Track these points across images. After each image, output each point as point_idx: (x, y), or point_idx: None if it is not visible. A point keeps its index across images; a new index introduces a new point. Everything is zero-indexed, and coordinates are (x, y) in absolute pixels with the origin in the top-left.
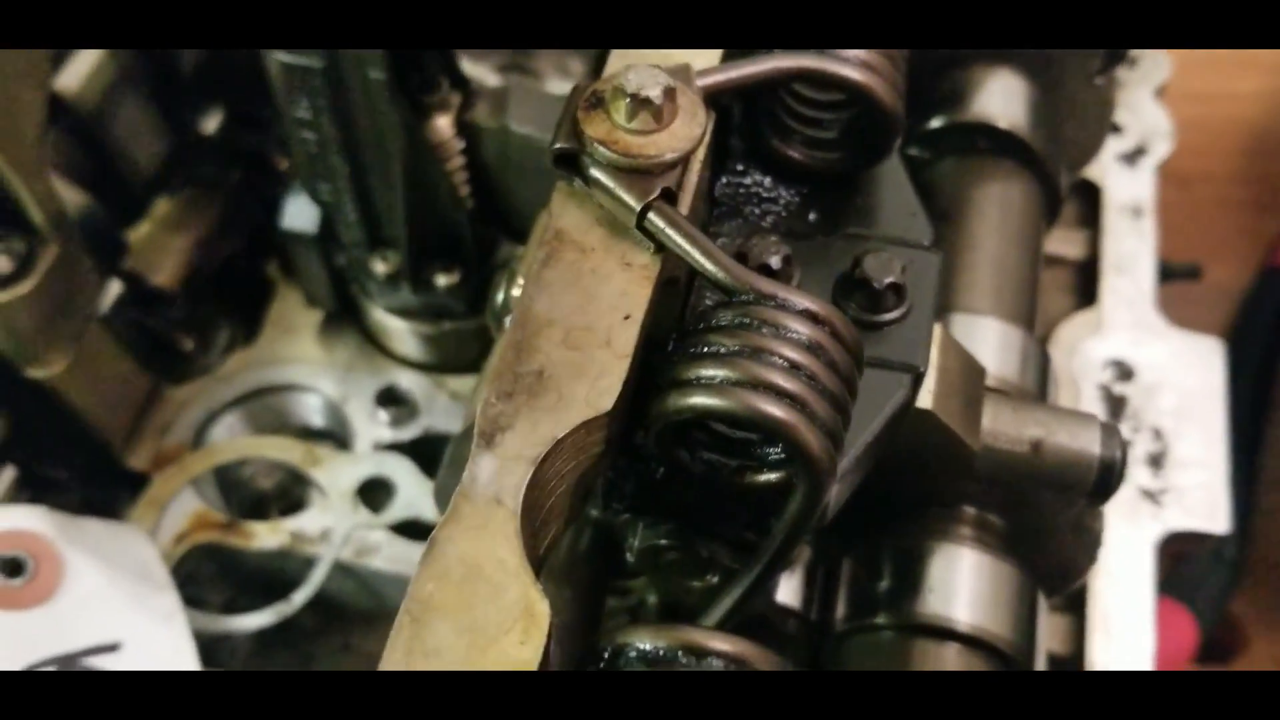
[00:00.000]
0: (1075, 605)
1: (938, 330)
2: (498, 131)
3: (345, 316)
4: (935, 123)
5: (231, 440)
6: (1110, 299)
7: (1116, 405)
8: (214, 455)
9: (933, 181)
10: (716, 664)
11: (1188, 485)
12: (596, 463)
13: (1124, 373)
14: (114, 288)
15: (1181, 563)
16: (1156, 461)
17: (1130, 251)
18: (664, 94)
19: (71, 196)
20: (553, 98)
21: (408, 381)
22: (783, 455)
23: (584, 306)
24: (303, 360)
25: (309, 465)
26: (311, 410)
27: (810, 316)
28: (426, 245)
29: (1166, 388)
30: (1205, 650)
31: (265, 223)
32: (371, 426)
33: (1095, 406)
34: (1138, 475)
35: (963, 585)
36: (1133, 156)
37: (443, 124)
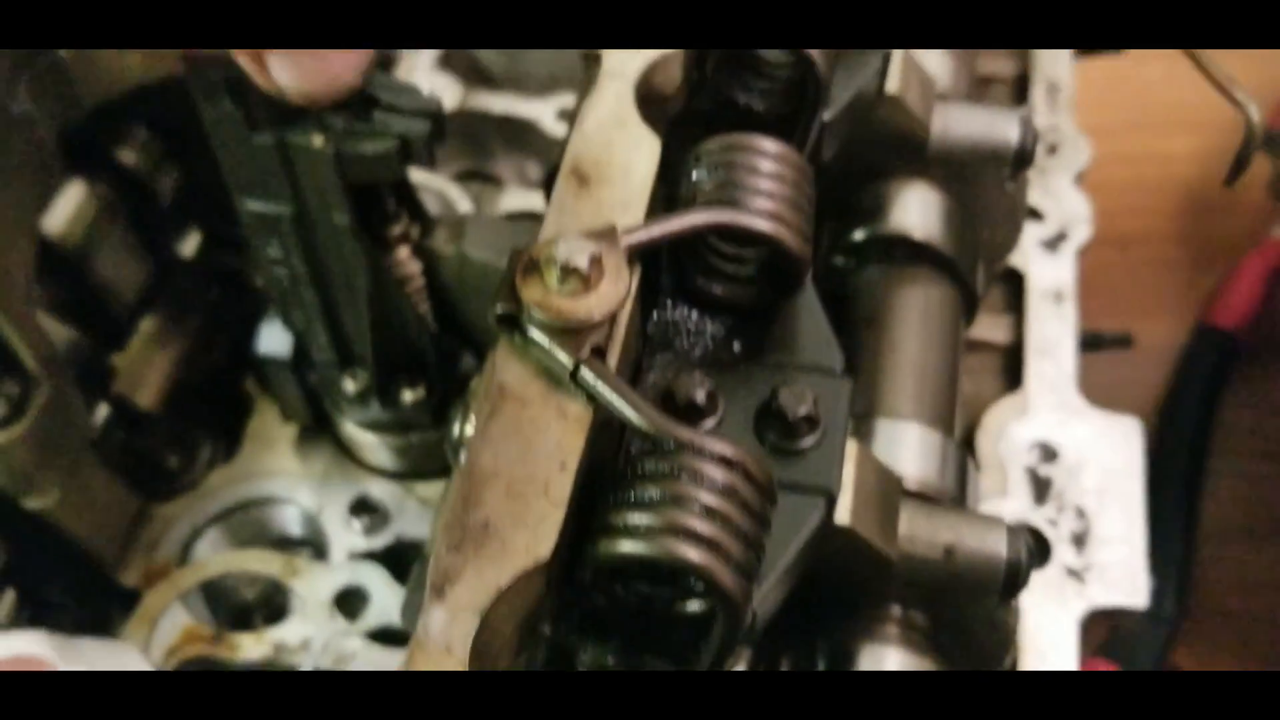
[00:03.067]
0: None
1: (854, 448)
2: (455, 257)
3: (320, 428)
4: (858, 235)
5: (216, 555)
6: (1035, 382)
7: (1042, 486)
8: (200, 570)
9: (857, 289)
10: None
11: (1109, 561)
12: (540, 602)
13: (1048, 454)
14: (101, 410)
15: (1117, 624)
16: (1080, 540)
17: (1053, 335)
18: (590, 261)
19: (59, 331)
20: (505, 225)
21: (379, 490)
22: (704, 587)
23: (524, 457)
24: (281, 473)
25: (288, 576)
26: (290, 521)
27: (724, 461)
28: (393, 364)
29: (1089, 467)
30: None
31: (243, 338)
32: (346, 535)
33: (1022, 488)
34: (1062, 554)
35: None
36: (1054, 242)
37: (404, 254)
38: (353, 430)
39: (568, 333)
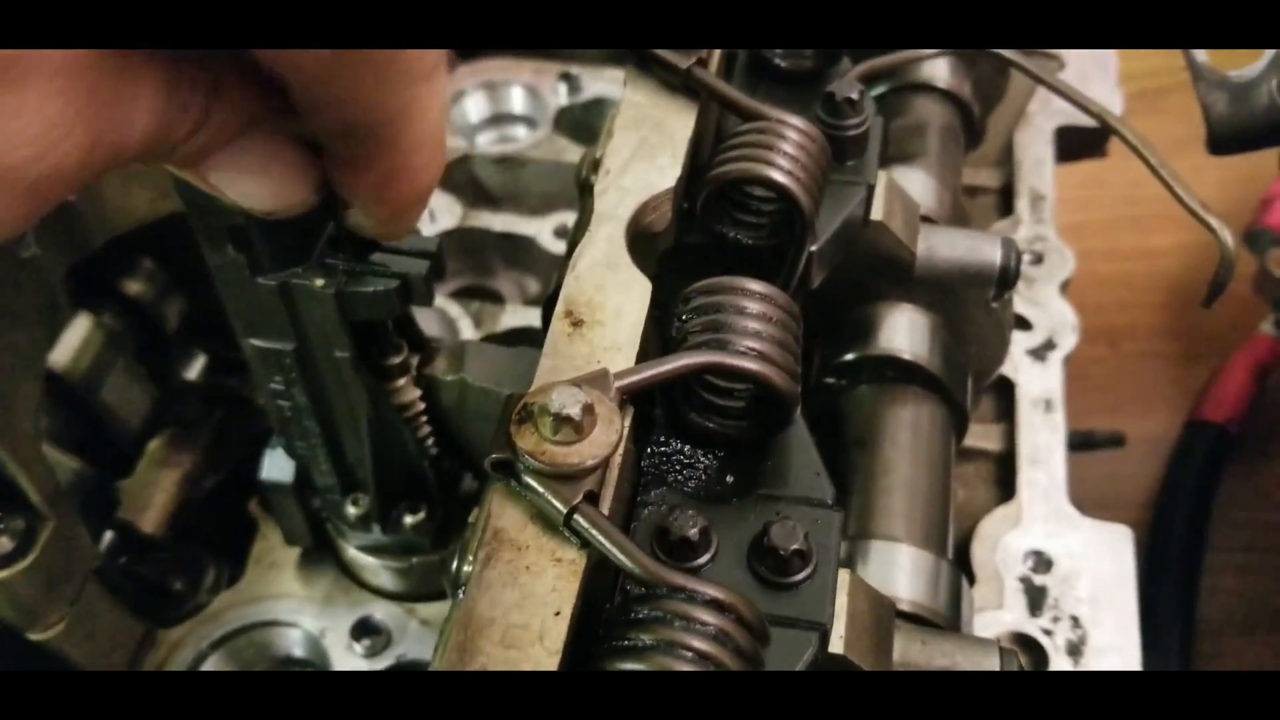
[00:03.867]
0: None
1: (846, 576)
2: (455, 384)
3: (323, 550)
4: (848, 356)
5: None
6: (1027, 492)
7: (1037, 596)
8: None
9: (848, 409)
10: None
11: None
12: None
13: (1043, 563)
14: (106, 537)
15: None
16: (1075, 650)
17: (1044, 444)
18: (583, 410)
19: (64, 462)
20: (503, 352)
21: (381, 613)
22: None
23: (520, 604)
24: (284, 595)
25: None
26: (293, 643)
27: (716, 605)
28: (394, 489)
29: (1082, 576)
30: None
31: (248, 459)
32: (348, 657)
33: (1018, 598)
34: (1059, 664)
35: None
36: (1041, 351)
37: (404, 383)
38: (354, 554)
39: (561, 479)
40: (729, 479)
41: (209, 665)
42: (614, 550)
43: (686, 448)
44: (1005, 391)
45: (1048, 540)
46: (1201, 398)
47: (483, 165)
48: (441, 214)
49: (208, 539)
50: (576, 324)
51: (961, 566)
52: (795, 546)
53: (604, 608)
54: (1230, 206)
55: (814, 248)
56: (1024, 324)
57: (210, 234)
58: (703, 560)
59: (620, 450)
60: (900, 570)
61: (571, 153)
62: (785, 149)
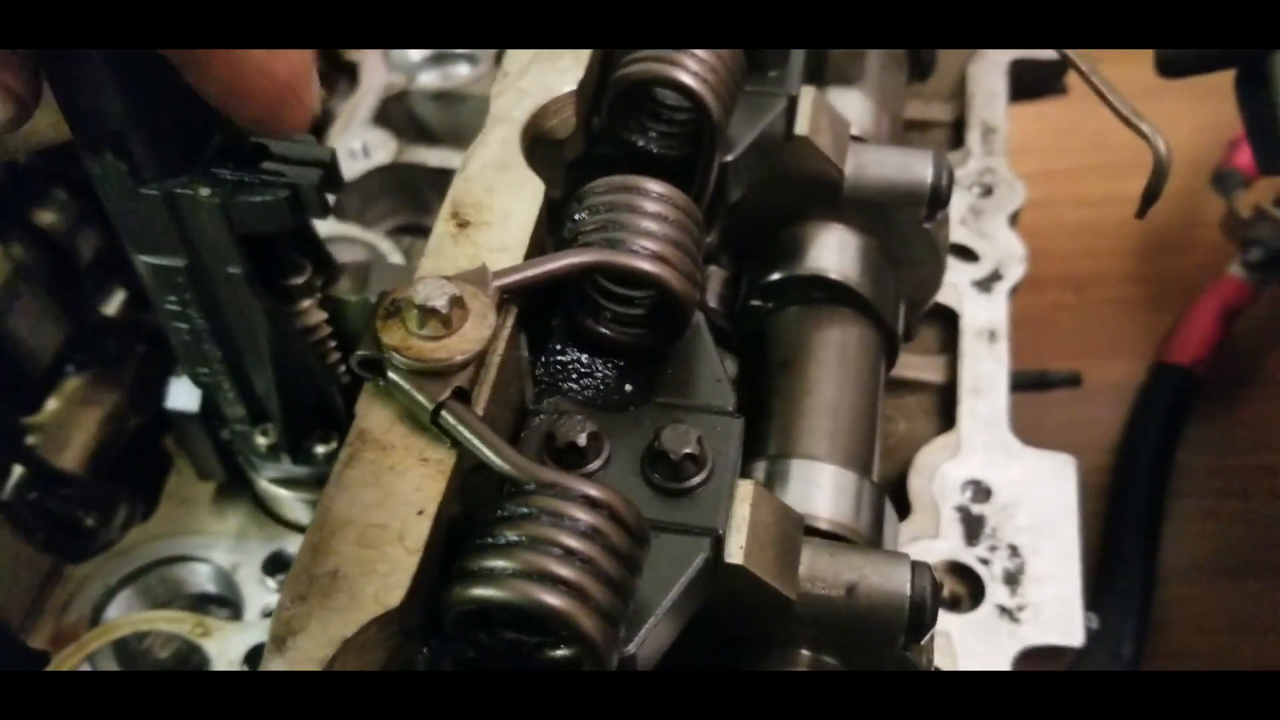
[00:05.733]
0: None
1: (750, 486)
2: (360, 304)
3: (237, 485)
4: (774, 276)
5: (127, 616)
6: (968, 421)
7: (974, 525)
8: (111, 631)
9: (774, 331)
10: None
11: (1044, 600)
12: (399, 651)
13: (981, 493)
14: (15, 470)
15: (1076, 663)
16: (1013, 579)
17: (987, 374)
18: (450, 303)
19: None
20: (410, 271)
21: (295, 547)
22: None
23: (381, 504)
24: (196, 531)
25: (199, 636)
26: (204, 579)
27: (589, 502)
28: (303, 418)
29: (1022, 505)
30: None
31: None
32: (261, 592)
33: (954, 528)
34: (996, 593)
35: None
36: (987, 282)
37: (308, 306)
38: (267, 486)
39: (429, 375)
40: (627, 388)
41: (118, 602)
42: (480, 446)
43: (584, 357)
44: (949, 323)
45: (987, 469)
46: (1167, 341)
47: (420, 101)
48: (376, 149)
49: (123, 477)
50: (462, 225)
51: (898, 498)
52: (688, 450)
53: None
54: (1203, 152)
55: (728, 158)
56: (970, 255)
57: (89, 140)
58: (594, 467)
59: (499, 348)
60: (819, 489)
61: None
62: (695, 53)
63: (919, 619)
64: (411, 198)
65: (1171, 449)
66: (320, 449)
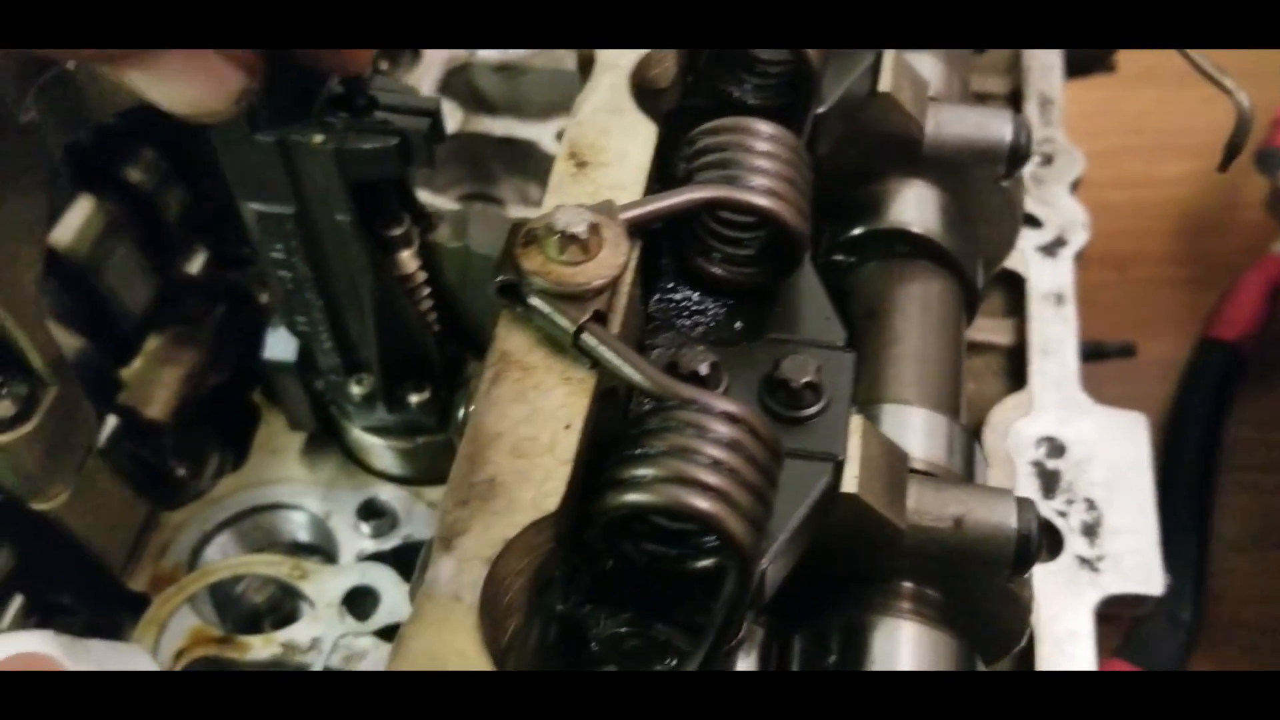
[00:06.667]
0: (1025, 662)
1: (860, 421)
2: (458, 252)
3: (326, 437)
4: (856, 231)
5: (224, 559)
6: (1038, 380)
7: (1050, 480)
8: (208, 574)
9: (857, 284)
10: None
11: (1122, 551)
12: (549, 558)
13: (1055, 449)
14: (110, 423)
15: (1136, 627)
16: (1091, 531)
17: (1055, 336)
18: (589, 229)
19: (68, 341)
20: (507, 220)
21: (387, 494)
22: (714, 542)
23: (529, 419)
24: (288, 480)
25: (297, 579)
26: (298, 527)
27: (729, 417)
28: (398, 367)
29: (1096, 461)
30: None
31: (249, 353)
32: (355, 538)
33: (1030, 482)
34: (1074, 545)
35: (903, 655)
36: (1052, 248)
37: (406, 256)
38: (359, 435)
39: (569, 299)
40: (738, 325)
41: (214, 547)
42: (623, 365)
43: (695, 295)
44: (1015, 287)
45: (1060, 426)
46: (1212, 317)
47: (482, 73)
48: None
49: (211, 429)
50: (581, 165)
51: None
52: (807, 379)
53: (613, 441)
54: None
55: (821, 110)
56: (1034, 222)
57: None
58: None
59: (630, 274)
60: (912, 431)
61: (572, 60)
62: None
63: (1025, 551)
64: (477, 167)
65: (1220, 422)
66: (414, 398)
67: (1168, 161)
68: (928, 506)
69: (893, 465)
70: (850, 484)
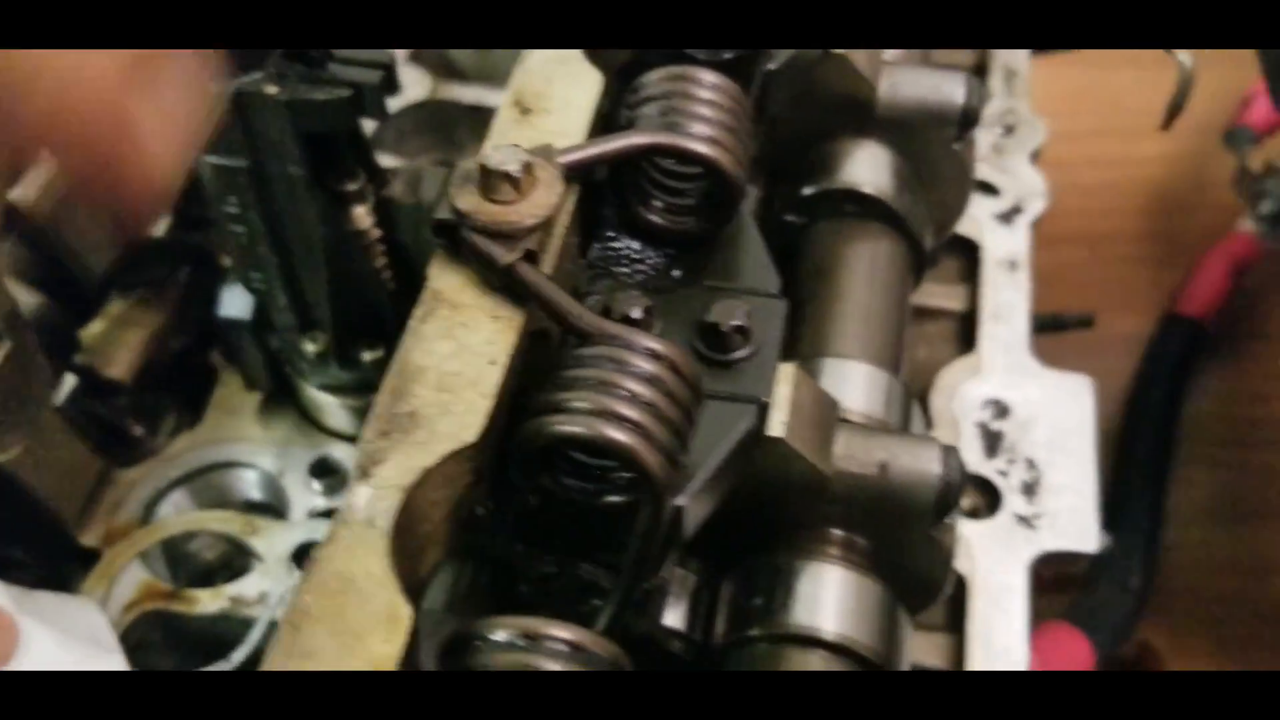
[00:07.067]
0: (955, 624)
1: (791, 369)
2: (413, 208)
3: (282, 397)
4: (807, 190)
5: (177, 516)
6: (988, 344)
7: (993, 440)
8: (160, 530)
9: (807, 243)
10: (556, 646)
11: (1059, 510)
12: (469, 492)
13: (1000, 411)
14: (68, 381)
15: (1085, 593)
16: (1030, 490)
17: (1007, 301)
18: (522, 168)
19: (26, 298)
20: None
21: (340, 452)
22: (630, 477)
23: (455, 354)
24: (243, 439)
25: (248, 534)
26: (251, 485)
27: (651, 354)
28: (352, 325)
29: (1040, 422)
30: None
31: (211, 316)
32: (307, 496)
33: (974, 442)
34: (1013, 503)
35: (828, 598)
36: (1009, 215)
37: (361, 212)
38: (313, 394)
39: (500, 237)
40: (675, 273)
41: (167, 504)
42: (552, 297)
43: (635, 244)
44: (970, 253)
45: (1006, 389)
46: (1177, 294)
47: None
48: (410, 86)
49: (171, 392)
50: (524, 112)
51: None
52: (736, 322)
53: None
54: (1214, 116)
55: (771, 66)
56: (992, 190)
57: None
58: None
59: (565, 215)
60: (851, 385)
61: None
62: None
63: (947, 496)
64: (445, 134)
65: (1180, 396)
66: (367, 355)
67: (1141, 141)
68: (854, 452)
69: (823, 413)
70: (777, 428)
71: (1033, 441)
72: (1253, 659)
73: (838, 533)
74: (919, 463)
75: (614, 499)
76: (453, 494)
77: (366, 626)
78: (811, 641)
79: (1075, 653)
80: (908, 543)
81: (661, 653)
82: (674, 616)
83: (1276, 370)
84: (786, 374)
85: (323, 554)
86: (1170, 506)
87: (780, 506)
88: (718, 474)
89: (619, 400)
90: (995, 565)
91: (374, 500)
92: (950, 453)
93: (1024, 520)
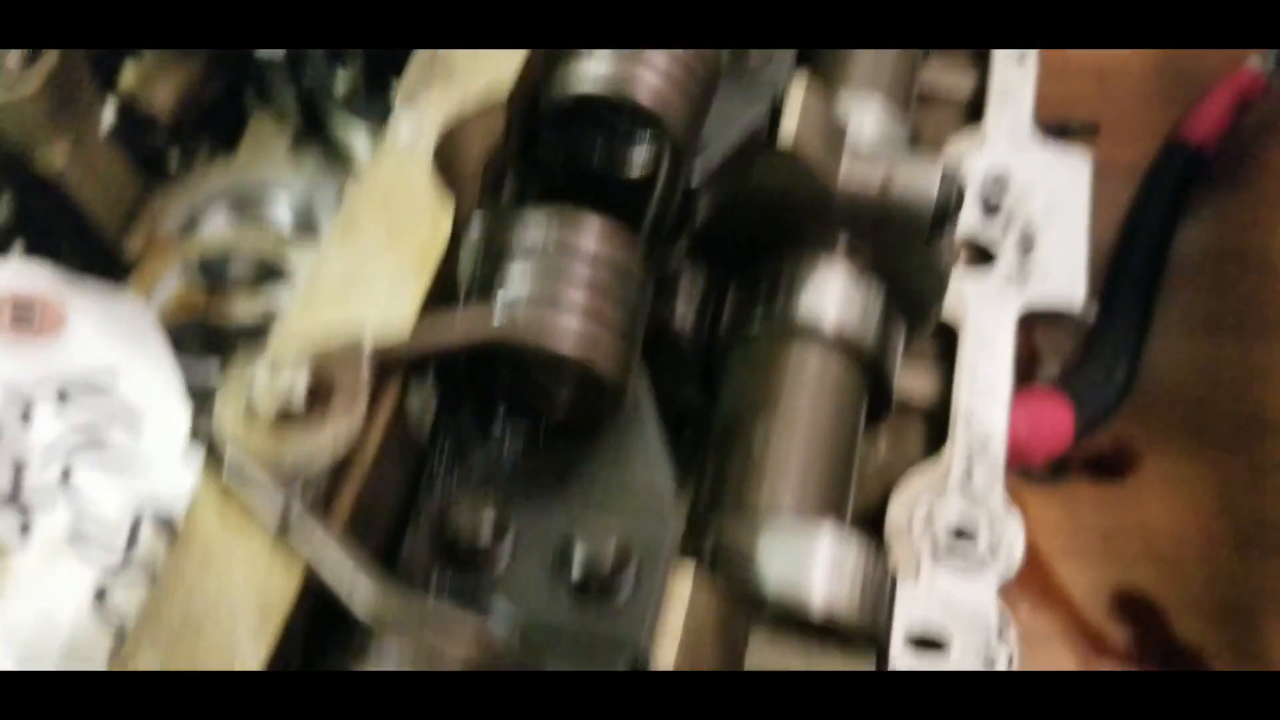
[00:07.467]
0: (948, 357)
1: (802, 93)
2: None
3: (312, 135)
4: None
5: (213, 232)
6: (993, 120)
7: (991, 208)
8: (197, 245)
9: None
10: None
11: (1050, 269)
12: (500, 149)
13: (1000, 181)
14: (110, 103)
15: (1076, 370)
16: (1024, 249)
17: (1014, 80)
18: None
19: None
20: None
21: None
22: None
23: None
24: (275, 168)
25: (281, 249)
26: (282, 209)
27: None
28: (381, 54)
29: (1037, 191)
30: (1096, 467)
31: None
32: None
33: (972, 208)
34: (1007, 260)
35: (831, 292)
36: None
37: None
38: (342, 126)
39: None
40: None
41: (203, 224)
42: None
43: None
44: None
45: (1007, 161)
46: (1180, 122)
47: None
48: None
49: (207, 129)
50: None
51: None
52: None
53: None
54: None
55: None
56: None
57: None
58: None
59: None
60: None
61: None
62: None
63: (943, 212)
64: None
65: (1175, 218)
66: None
67: None
68: (859, 170)
69: (829, 131)
70: (787, 140)
71: (1029, 209)
72: (1224, 461)
73: (842, 241)
74: (918, 180)
75: (636, 162)
76: (485, 149)
77: (412, 218)
78: (811, 334)
79: (1058, 417)
80: (906, 257)
81: (673, 350)
82: (683, 316)
83: (1269, 198)
84: (799, 84)
85: (368, 174)
86: (1158, 319)
87: (785, 222)
88: (729, 160)
89: (649, 67)
90: (986, 319)
91: (416, 134)
92: (949, 174)
93: (1015, 277)
